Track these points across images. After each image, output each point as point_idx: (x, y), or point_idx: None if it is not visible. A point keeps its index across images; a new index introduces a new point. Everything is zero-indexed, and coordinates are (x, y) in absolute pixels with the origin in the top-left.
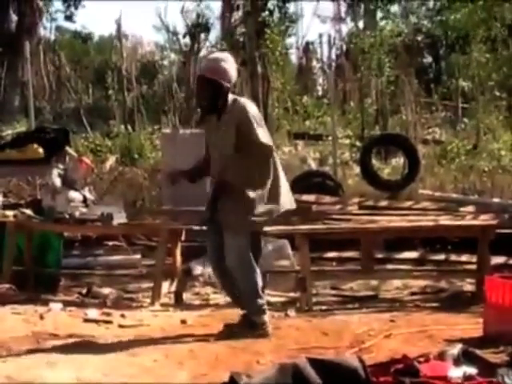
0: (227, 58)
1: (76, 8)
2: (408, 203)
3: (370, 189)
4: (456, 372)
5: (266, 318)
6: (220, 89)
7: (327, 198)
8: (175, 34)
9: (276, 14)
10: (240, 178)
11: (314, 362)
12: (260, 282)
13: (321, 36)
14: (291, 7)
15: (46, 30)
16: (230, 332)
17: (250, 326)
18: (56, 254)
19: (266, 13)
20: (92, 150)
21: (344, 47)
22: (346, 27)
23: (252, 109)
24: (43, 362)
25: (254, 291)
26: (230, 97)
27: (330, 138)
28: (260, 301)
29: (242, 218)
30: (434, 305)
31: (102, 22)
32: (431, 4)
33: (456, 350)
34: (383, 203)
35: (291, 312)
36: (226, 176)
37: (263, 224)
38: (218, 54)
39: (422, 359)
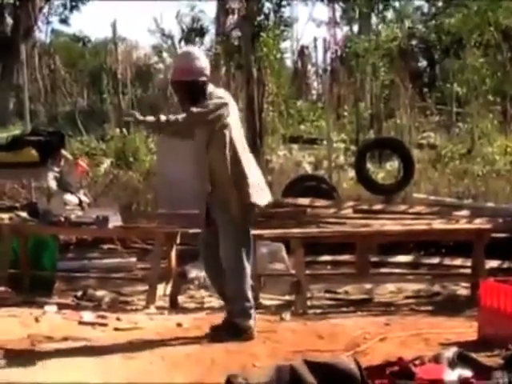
0: (194, 52)
1: (71, 11)
2: (402, 207)
3: (365, 192)
4: (451, 375)
5: (252, 322)
6: (196, 86)
7: (322, 202)
8: (170, 37)
9: (271, 18)
10: (220, 169)
11: (310, 364)
12: (249, 285)
13: (316, 40)
14: (286, 11)
15: (42, 33)
16: (215, 334)
17: (234, 330)
18: (51, 256)
19: (262, 17)
20: (87, 153)
21: (339, 51)
22: (341, 31)
23: (217, 91)
24: (39, 364)
25: (242, 293)
26: (210, 90)
27: (324, 141)
28: (247, 304)
29: (238, 212)
30: (429, 308)
31: (97, 25)
32: (426, 9)
33: (451, 353)
34: (378, 207)
35: (286, 315)
36: (211, 170)
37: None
38: (184, 52)
39: (417, 362)
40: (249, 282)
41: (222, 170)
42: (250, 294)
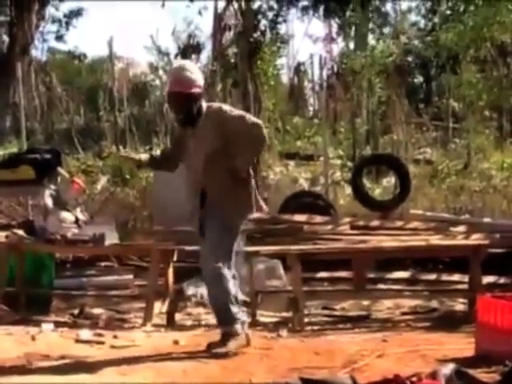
0: (188, 66)
1: (67, 29)
2: (399, 223)
3: (362, 209)
4: None
5: (239, 327)
6: (192, 98)
7: (318, 218)
8: (167, 54)
9: (267, 35)
10: (225, 180)
11: (307, 382)
12: (234, 290)
13: (312, 56)
14: (283, 28)
15: (38, 50)
16: (212, 352)
17: (224, 339)
18: (48, 274)
19: (258, 33)
20: (83, 171)
21: (335, 67)
22: (337, 47)
23: (227, 106)
24: (36, 383)
25: (227, 299)
26: (204, 104)
27: (321, 158)
28: (233, 308)
29: (233, 218)
30: (426, 324)
31: (93, 42)
32: (422, 24)
33: (448, 369)
34: (375, 223)
35: (283, 332)
36: (209, 181)
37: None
38: (178, 65)
39: (414, 379)
40: (232, 288)
41: (230, 179)
42: (233, 298)
